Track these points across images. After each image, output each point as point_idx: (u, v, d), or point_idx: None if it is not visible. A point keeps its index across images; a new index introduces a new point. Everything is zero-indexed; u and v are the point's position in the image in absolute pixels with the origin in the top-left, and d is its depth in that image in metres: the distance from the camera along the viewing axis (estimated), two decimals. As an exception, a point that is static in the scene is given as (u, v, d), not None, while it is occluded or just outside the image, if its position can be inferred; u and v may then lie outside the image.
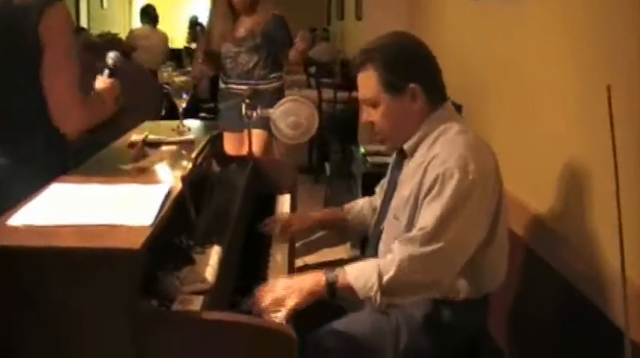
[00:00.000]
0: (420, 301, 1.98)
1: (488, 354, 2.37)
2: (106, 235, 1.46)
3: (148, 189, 1.79)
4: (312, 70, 8.00)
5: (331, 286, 1.83)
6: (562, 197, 2.27)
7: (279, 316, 1.74)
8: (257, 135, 4.13)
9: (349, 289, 1.82)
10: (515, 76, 2.80)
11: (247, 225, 2.48)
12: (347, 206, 2.48)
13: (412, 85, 1.94)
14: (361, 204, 2.44)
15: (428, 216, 1.83)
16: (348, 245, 4.62)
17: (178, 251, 1.64)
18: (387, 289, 1.79)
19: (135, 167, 2.12)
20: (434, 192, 1.83)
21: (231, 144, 3.57)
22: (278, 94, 4.32)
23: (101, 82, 2.46)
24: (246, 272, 2.07)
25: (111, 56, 2.53)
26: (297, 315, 1.79)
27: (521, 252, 2.43)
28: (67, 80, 2.15)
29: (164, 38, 8.07)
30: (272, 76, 4.42)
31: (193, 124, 2.93)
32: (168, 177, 1.89)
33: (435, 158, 1.88)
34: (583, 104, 2.12)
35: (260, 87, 4.37)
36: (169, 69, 2.84)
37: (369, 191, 2.51)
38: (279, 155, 5.20)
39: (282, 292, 1.80)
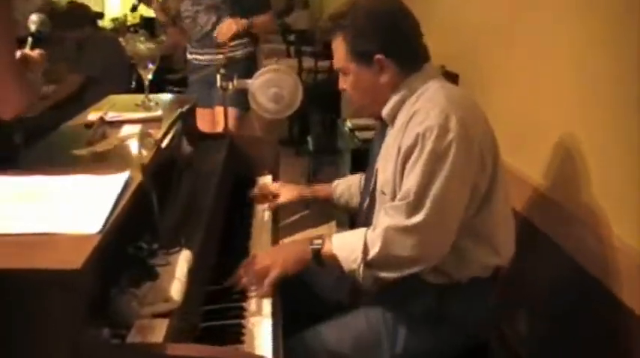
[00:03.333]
0: (420, 291, 1.80)
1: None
2: (40, 249, 1.13)
3: (100, 181, 1.46)
4: (291, 38, 7.65)
5: (317, 254, 1.77)
6: (565, 169, 2.15)
7: (264, 286, 1.70)
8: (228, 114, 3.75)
9: (333, 258, 1.75)
10: (515, 41, 2.61)
11: (225, 213, 2.18)
12: (336, 182, 2.33)
13: (378, 56, 1.80)
14: (351, 181, 2.27)
15: (409, 182, 1.69)
16: (333, 223, 4.37)
17: (137, 261, 1.31)
18: (372, 263, 1.70)
19: (90, 152, 1.79)
20: (414, 154, 1.69)
21: (200, 123, 3.20)
22: (247, 64, 3.88)
23: (27, 53, 1.96)
24: (223, 268, 1.81)
25: (33, 20, 2.03)
26: (286, 316, 1.68)
27: (521, 228, 2.21)
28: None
29: None
30: (235, 42, 3.85)
31: (161, 98, 2.59)
32: (127, 165, 1.55)
33: (415, 115, 1.73)
34: (589, 68, 2.00)
35: (224, 55, 3.82)
36: (141, 38, 2.49)
37: (359, 167, 2.33)
38: (256, 129, 4.84)
39: (266, 262, 1.75)
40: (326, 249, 1.76)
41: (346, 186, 2.27)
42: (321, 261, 1.77)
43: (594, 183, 1.98)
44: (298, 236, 4.15)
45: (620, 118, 1.82)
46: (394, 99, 1.83)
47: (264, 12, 3.91)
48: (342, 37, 1.84)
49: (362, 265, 1.69)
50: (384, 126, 1.94)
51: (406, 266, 1.69)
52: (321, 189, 2.37)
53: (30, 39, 1.95)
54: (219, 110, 3.75)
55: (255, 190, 2.40)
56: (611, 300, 1.82)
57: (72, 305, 1.07)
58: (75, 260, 1.07)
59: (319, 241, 1.78)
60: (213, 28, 3.83)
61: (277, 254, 1.80)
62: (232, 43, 3.86)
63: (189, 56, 4.09)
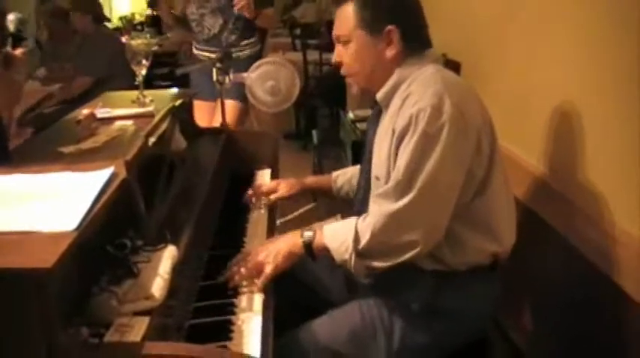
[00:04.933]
0: (416, 281, 1.77)
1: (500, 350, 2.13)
2: (14, 248, 1.10)
3: (83, 178, 1.43)
4: (297, 31, 7.62)
5: (309, 247, 1.75)
6: (567, 156, 2.10)
7: (258, 285, 1.68)
8: (229, 106, 3.73)
9: (325, 250, 1.73)
10: (517, 31, 2.55)
11: (220, 208, 2.16)
12: (335, 174, 2.29)
13: (390, 27, 1.76)
14: (351, 172, 2.23)
15: (400, 164, 1.66)
16: (339, 217, 4.31)
17: (117, 259, 1.28)
18: (363, 252, 1.67)
19: (76, 149, 1.76)
20: (407, 136, 1.66)
21: (201, 115, 3.17)
22: (253, 62, 3.85)
23: (9, 53, 1.92)
24: (216, 263, 1.79)
25: (11, 19, 1.99)
26: (280, 311, 1.67)
27: (522, 216, 2.19)
28: None
29: None
30: (244, 42, 3.81)
31: (158, 94, 2.57)
32: (112, 162, 1.53)
33: (410, 96, 1.70)
34: (590, 58, 1.95)
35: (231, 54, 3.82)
36: (147, 36, 2.47)
37: (360, 159, 2.23)
38: (260, 122, 4.79)
39: (259, 259, 1.73)
40: (317, 240, 1.74)
41: (346, 178, 2.23)
42: (313, 254, 1.75)
43: (595, 170, 1.94)
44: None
45: (623, 106, 1.78)
46: (390, 82, 1.79)
47: (268, 7, 3.87)
48: (353, 2, 1.79)
49: (353, 255, 1.66)
50: (377, 112, 1.90)
51: (399, 252, 1.65)
52: (319, 181, 2.35)
53: (10, 39, 1.92)
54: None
55: (250, 192, 2.32)
56: (616, 292, 1.76)
57: (45, 305, 1.05)
58: (47, 259, 1.05)
59: (310, 234, 1.75)
60: (221, 30, 3.79)
61: (270, 249, 1.76)
62: (242, 43, 3.82)
63: (195, 51, 4.04)
